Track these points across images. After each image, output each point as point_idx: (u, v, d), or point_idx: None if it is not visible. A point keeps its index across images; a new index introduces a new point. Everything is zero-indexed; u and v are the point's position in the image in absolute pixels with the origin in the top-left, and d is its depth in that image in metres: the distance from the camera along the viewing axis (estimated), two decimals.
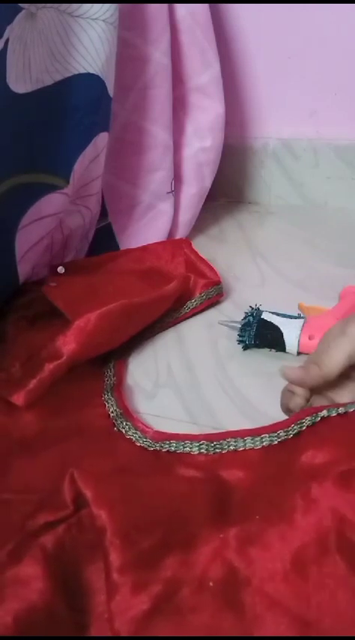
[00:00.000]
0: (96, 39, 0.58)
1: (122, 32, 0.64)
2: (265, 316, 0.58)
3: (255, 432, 0.43)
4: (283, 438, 0.41)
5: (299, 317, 0.58)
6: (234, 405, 0.51)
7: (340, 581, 0.31)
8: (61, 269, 0.67)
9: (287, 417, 0.43)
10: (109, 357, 0.57)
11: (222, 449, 0.44)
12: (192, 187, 0.80)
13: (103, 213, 0.75)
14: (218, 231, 0.87)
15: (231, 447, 0.43)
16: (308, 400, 0.45)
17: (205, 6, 0.72)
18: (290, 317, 0.58)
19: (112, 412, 0.50)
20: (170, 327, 0.64)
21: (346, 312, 0.58)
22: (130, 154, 0.74)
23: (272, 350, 0.58)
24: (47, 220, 0.62)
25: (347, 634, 0.30)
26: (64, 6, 0.55)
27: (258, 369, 0.56)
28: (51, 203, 0.61)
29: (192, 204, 0.80)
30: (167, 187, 0.76)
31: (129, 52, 0.67)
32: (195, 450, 0.44)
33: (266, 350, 0.58)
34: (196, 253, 0.70)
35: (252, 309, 0.59)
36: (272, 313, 0.58)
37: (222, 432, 0.45)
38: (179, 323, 0.64)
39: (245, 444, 0.43)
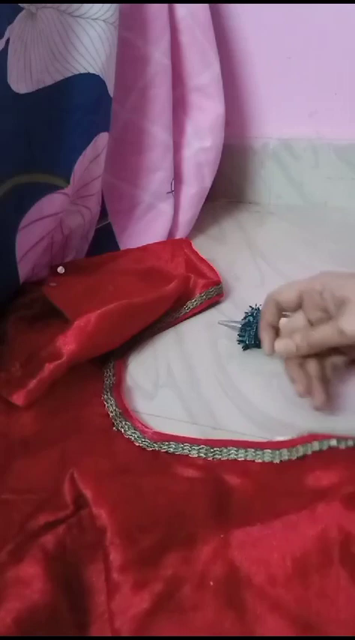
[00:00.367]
0: (97, 39, 0.58)
1: (122, 32, 0.64)
2: None
3: (257, 445, 0.44)
4: (286, 457, 0.42)
5: None
6: (234, 405, 0.51)
7: (342, 592, 0.31)
8: (61, 269, 0.67)
9: (291, 435, 0.43)
10: (109, 357, 0.57)
11: (221, 456, 0.44)
12: (192, 187, 0.80)
13: (103, 213, 0.75)
14: (218, 231, 0.87)
15: (232, 456, 0.44)
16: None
17: (205, 6, 0.72)
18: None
19: (111, 412, 0.50)
20: (170, 327, 0.64)
21: None
22: (130, 154, 0.74)
23: None
24: (47, 220, 0.63)
25: None
26: (64, 6, 0.55)
27: (258, 369, 0.56)
28: (51, 203, 0.61)
29: (192, 204, 0.81)
30: (167, 187, 0.76)
31: (129, 52, 0.67)
32: (194, 454, 0.44)
33: None
34: (196, 253, 0.70)
35: (252, 309, 0.59)
36: None
37: (224, 440, 0.45)
38: (179, 323, 0.64)
39: (246, 455, 0.43)
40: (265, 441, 0.44)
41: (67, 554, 0.36)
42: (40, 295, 0.62)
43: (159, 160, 0.74)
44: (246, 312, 0.59)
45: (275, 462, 0.42)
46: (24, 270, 0.63)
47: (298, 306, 0.49)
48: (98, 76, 0.60)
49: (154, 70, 0.69)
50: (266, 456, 0.43)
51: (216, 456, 0.44)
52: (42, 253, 0.66)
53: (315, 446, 0.41)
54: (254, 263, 0.76)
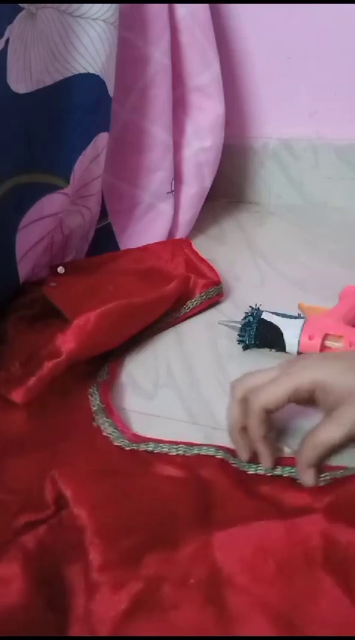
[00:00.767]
0: (97, 39, 0.58)
1: (122, 32, 0.64)
2: (265, 316, 0.58)
3: (234, 452, 0.44)
4: (261, 472, 0.42)
5: (299, 317, 0.58)
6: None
7: (325, 593, 0.31)
8: (61, 269, 0.67)
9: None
10: (108, 357, 0.57)
11: (200, 452, 0.44)
12: (192, 187, 0.80)
13: (103, 213, 0.75)
14: (218, 231, 0.87)
15: (210, 453, 0.44)
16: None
17: (205, 6, 0.72)
18: (290, 317, 0.58)
19: (94, 406, 0.50)
20: (170, 327, 0.63)
21: (346, 312, 0.58)
22: (130, 154, 0.74)
23: (272, 350, 0.58)
24: (47, 220, 0.63)
25: None
26: (64, 6, 0.55)
27: (257, 369, 0.56)
28: (51, 203, 0.61)
29: (192, 204, 0.80)
30: (167, 187, 0.76)
31: (129, 52, 0.67)
32: (173, 452, 0.44)
33: (267, 350, 0.58)
34: (196, 253, 0.70)
35: (252, 309, 0.59)
36: (273, 313, 0.58)
37: (204, 443, 0.45)
38: (179, 323, 0.64)
39: (223, 455, 0.43)
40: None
41: (47, 555, 0.36)
42: (40, 295, 0.62)
43: (159, 160, 0.74)
44: (246, 312, 0.59)
45: (249, 472, 0.42)
46: (24, 270, 0.63)
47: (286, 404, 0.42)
48: (98, 76, 0.60)
49: (154, 70, 0.69)
50: (244, 466, 0.43)
51: (194, 452, 0.44)
52: (42, 253, 0.66)
53: (286, 471, 0.42)
54: (254, 263, 0.76)
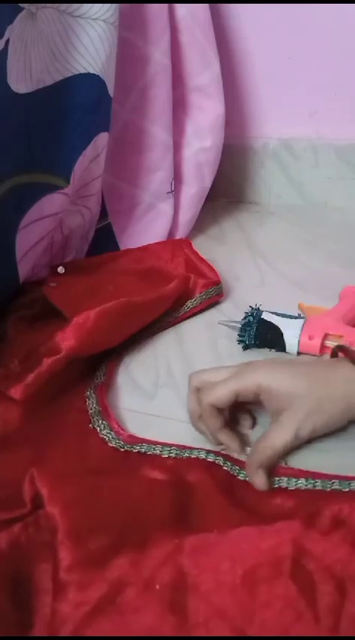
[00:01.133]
0: (97, 39, 0.58)
1: (122, 32, 0.64)
2: (265, 316, 0.58)
3: (229, 457, 0.44)
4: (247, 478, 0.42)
5: (299, 317, 0.58)
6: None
7: (288, 603, 0.31)
8: (61, 269, 0.67)
9: None
10: (105, 357, 0.57)
11: (191, 454, 0.44)
12: (192, 187, 0.80)
13: (103, 213, 0.75)
14: (218, 231, 0.87)
15: (201, 456, 0.44)
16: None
17: (205, 6, 0.72)
18: (290, 317, 0.58)
19: (91, 409, 0.50)
20: (170, 326, 0.63)
21: (346, 312, 0.58)
22: (130, 154, 0.74)
23: (272, 350, 0.58)
24: (47, 220, 0.62)
25: None
26: (64, 6, 0.55)
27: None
28: (51, 203, 0.61)
29: (192, 204, 0.80)
30: (167, 187, 0.76)
31: (129, 52, 0.67)
32: (165, 454, 0.44)
33: (266, 350, 0.58)
34: (196, 253, 0.70)
35: (252, 309, 0.59)
36: (273, 313, 0.58)
37: (197, 447, 0.45)
38: (179, 323, 0.64)
39: (215, 459, 0.44)
40: (236, 457, 0.45)
41: (19, 554, 0.36)
42: (40, 295, 0.62)
43: (159, 160, 0.74)
44: (246, 312, 0.59)
45: (239, 477, 0.43)
46: (24, 270, 0.63)
47: (233, 403, 0.45)
48: (98, 76, 0.60)
49: (154, 70, 0.69)
50: (235, 469, 0.43)
51: (186, 455, 0.44)
52: (42, 253, 0.66)
53: (283, 481, 0.42)
54: (254, 263, 0.76)
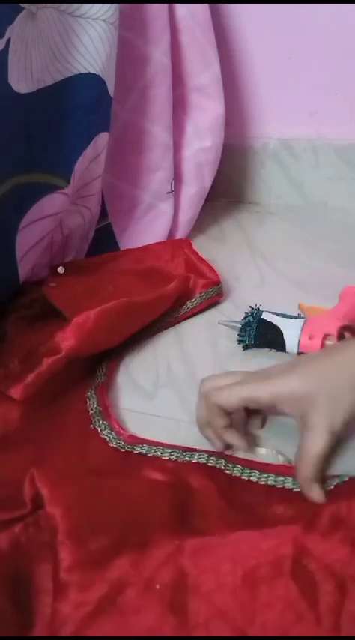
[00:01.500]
0: (97, 39, 0.58)
1: (122, 32, 0.64)
2: (265, 316, 0.58)
3: (230, 458, 0.44)
4: (254, 479, 0.42)
5: (299, 317, 0.58)
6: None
7: (289, 603, 0.31)
8: (61, 269, 0.67)
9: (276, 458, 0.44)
10: (107, 357, 0.57)
11: (192, 458, 0.44)
12: (192, 187, 0.80)
13: (103, 213, 0.75)
14: (218, 231, 0.87)
15: (202, 460, 0.44)
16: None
17: (205, 6, 0.72)
18: (290, 317, 0.58)
19: (92, 409, 0.50)
20: (170, 326, 0.64)
21: (346, 312, 0.58)
22: (130, 154, 0.74)
23: (272, 350, 0.58)
24: (47, 220, 0.63)
25: None
26: (64, 6, 0.55)
27: (258, 369, 0.56)
28: (51, 203, 0.61)
29: (192, 204, 0.81)
30: (167, 187, 0.76)
31: (129, 52, 0.67)
32: (166, 456, 0.44)
33: (266, 350, 0.58)
34: (196, 253, 0.70)
35: (252, 309, 0.59)
36: (273, 313, 0.58)
37: (198, 449, 0.45)
38: (179, 323, 0.64)
39: (216, 463, 0.44)
40: (238, 456, 0.45)
41: (20, 554, 0.36)
42: (40, 295, 0.62)
43: (159, 160, 0.74)
44: (246, 312, 0.59)
45: (243, 478, 0.42)
46: (24, 270, 0.63)
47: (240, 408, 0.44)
48: (98, 76, 0.60)
49: (154, 70, 0.69)
50: (237, 470, 0.43)
51: (187, 459, 0.44)
52: (42, 253, 0.66)
53: (288, 481, 0.42)
54: (254, 263, 0.76)
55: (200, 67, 0.74)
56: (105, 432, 0.47)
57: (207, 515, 0.39)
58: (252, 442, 0.46)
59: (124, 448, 0.46)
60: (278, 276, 0.72)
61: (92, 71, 0.59)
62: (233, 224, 0.89)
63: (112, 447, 0.46)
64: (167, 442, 0.46)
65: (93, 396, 0.51)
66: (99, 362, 0.56)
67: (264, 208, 0.93)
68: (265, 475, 0.42)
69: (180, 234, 0.80)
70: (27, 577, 0.35)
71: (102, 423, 0.48)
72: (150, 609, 0.32)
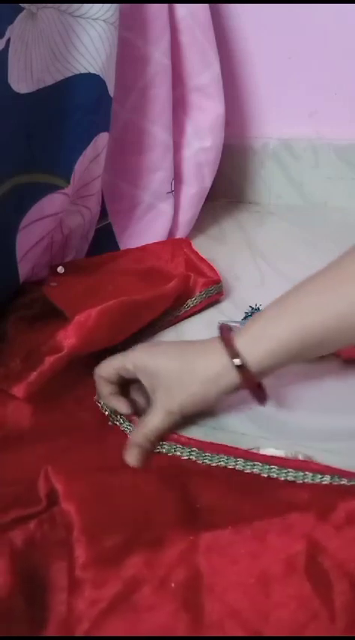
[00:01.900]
0: (97, 39, 0.58)
1: (122, 32, 0.64)
2: None
3: (249, 456, 0.44)
4: (274, 475, 0.42)
5: None
6: (233, 404, 0.51)
7: (302, 602, 0.31)
8: (60, 269, 0.67)
9: (285, 451, 0.44)
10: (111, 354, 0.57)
11: (211, 461, 0.44)
12: (192, 187, 0.80)
13: (103, 213, 0.75)
14: (218, 231, 0.87)
15: (221, 463, 0.44)
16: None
17: (205, 6, 0.72)
18: None
19: (106, 410, 0.50)
20: (170, 325, 0.64)
21: None
22: (130, 154, 0.74)
23: None
24: (47, 220, 0.63)
25: None
26: (64, 6, 0.55)
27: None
28: (51, 203, 0.61)
29: (192, 204, 0.80)
30: (167, 187, 0.76)
31: (129, 52, 0.67)
32: (186, 455, 0.45)
33: None
34: (196, 253, 0.70)
35: (252, 309, 0.59)
36: None
37: (217, 445, 0.45)
38: (179, 322, 0.64)
39: (236, 464, 0.44)
40: (256, 452, 0.45)
41: (35, 550, 0.36)
42: (40, 295, 0.62)
43: (159, 160, 0.74)
44: (246, 312, 0.59)
45: (263, 475, 0.43)
46: (24, 270, 0.63)
47: (121, 378, 0.49)
48: (98, 76, 0.60)
49: (154, 70, 0.69)
50: (256, 468, 0.43)
51: (206, 461, 0.44)
52: (42, 253, 0.66)
53: (308, 477, 0.42)
54: (254, 263, 0.76)
55: (200, 67, 0.74)
56: (125, 425, 0.48)
57: (219, 509, 0.39)
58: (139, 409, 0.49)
59: None
60: (278, 276, 0.72)
61: (92, 71, 0.59)
62: (233, 224, 0.89)
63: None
64: (186, 436, 0.47)
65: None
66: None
67: (264, 208, 0.93)
68: (285, 470, 0.42)
69: (180, 234, 0.80)
70: (42, 574, 0.35)
71: (120, 417, 0.49)
72: (165, 607, 0.32)
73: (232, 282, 0.71)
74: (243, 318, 0.59)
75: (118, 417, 0.49)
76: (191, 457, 0.45)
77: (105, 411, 0.50)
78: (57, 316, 0.58)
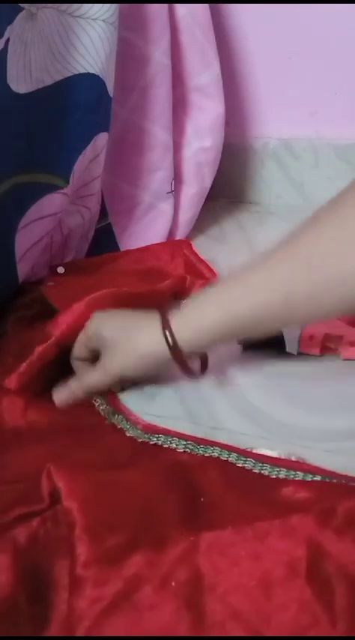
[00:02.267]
0: (97, 39, 0.58)
1: (122, 32, 0.64)
2: None
3: (241, 452, 0.44)
4: (266, 472, 0.42)
5: None
6: (234, 404, 0.51)
7: (304, 606, 0.31)
8: (60, 269, 0.67)
9: (279, 452, 0.44)
10: None
11: (205, 452, 0.44)
12: (192, 187, 0.80)
13: (103, 213, 0.75)
14: (218, 232, 0.87)
15: (215, 454, 0.44)
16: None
17: (205, 6, 0.72)
18: None
19: (102, 410, 0.50)
20: None
21: None
22: (130, 154, 0.74)
23: (272, 350, 0.58)
24: (47, 220, 0.63)
25: None
26: (64, 6, 0.55)
27: (258, 369, 0.56)
28: (51, 203, 0.61)
29: (192, 204, 0.80)
30: (167, 187, 0.76)
31: (129, 52, 0.67)
32: (181, 448, 0.45)
33: (266, 350, 0.58)
34: (196, 254, 0.70)
35: None
36: None
37: (211, 441, 0.45)
38: None
39: (229, 457, 0.44)
40: (251, 450, 0.45)
41: (38, 548, 0.36)
42: (39, 295, 0.62)
43: (159, 160, 0.74)
44: None
45: (254, 470, 0.43)
46: (23, 269, 0.63)
47: (92, 352, 0.51)
48: (98, 76, 0.60)
49: (154, 70, 0.69)
50: (248, 463, 0.43)
51: (200, 452, 0.44)
52: (41, 253, 0.66)
53: (299, 476, 0.42)
54: None
55: (200, 67, 0.74)
56: (122, 424, 0.48)
57: (220, 508, 0.39)
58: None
59: (141, 438, 0.46)
60: None
61: (92, 71, 0.59)
62: (233, 224, 0.89)
63: (129, 436, 0.47)
64: (181, 431, 0.47)
65: (102, 400, 0.52)
66: None
67: (264, 208, 0.93)
68: (277, 469, 0.42)
69: (180, 234, 0.80)
70: (45, 572, 0.35)
71: (118, 417, 0.49)
72: (166, 606, 0.32)
73: None
74: None
75: (116, 416, 0.49)
76: (187, 450, 0.45)
77: (101, 410, 0.50)
78: (56, 316, 0.58)
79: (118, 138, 0.72)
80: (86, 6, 0.57)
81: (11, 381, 0.49)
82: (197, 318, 0.47)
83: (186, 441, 0.45)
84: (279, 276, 0.45)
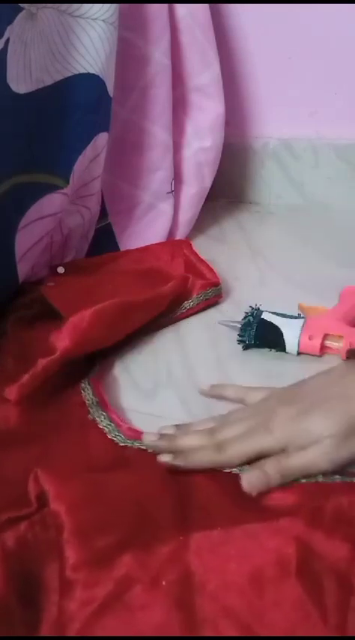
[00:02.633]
0: (97, 39, 0.58)
1: (122, 32, 0.64)
2: (265, 316, 0.58)
3: None
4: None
5: (299, 317, 0.58)
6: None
7: (295, 604, 0.31)
8: (60, 269, 0.67)
9: None
10: (102, 355, 0.57)
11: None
12: (192, 187, 0.80)
13: (103, 213, 0.75)
14: (218, 231, 0.87)
15: None
16: None
17: (205, 6, 0.72)
18: (290, 317, 0.58)
19: (88, 400, 0.50)
20: (166, 326, 0.63)
21: (346, 312, 0.58)
22: (130, 154, 0.74)
23: (273, 350, 0.58)
24: (47, 220, 0.63)
25: None
26: (64, 6, 0.55)
27: (258, 369, 0.56)
28: (51, 203, 0.61)
29: (192, 204, 0.80)
30: (167, 187, 0.76)
31: (129, 52, 0.67)
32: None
33: (267, 350, 0.58)
34: (196, 254, 0.70)
35: (252, 309, 0.59)
36: (272, 313, 0.58)
37: None
38: (178, 323, 0.64)
39: None
40: None
41: (26, 552, 0.36)
42: (39, 295, 0.62)
43: (159, 160, 0.74)
44: (246, 312, 0.59)
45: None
46: (23, 270, 0.63)
47: None
48: (98, 76, 0.60)
49: (154, 70, 0.69)
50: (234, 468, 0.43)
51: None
52: (41, 253, 0.66)
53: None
54: (254, 263, 0.76)
55: (200, 67, 0.74)
56: (104, 423, 0.47)
57: (209, 510, 0.39)
58: None
59: (124, 443, 0.46)
60: (278, 276, 0.72)
61: (91, 71, 0.59)
62: (233, 224, 0.89)
63: (110, 438, 0.46)
64: None
65: (88, 387, 0.51)
66: (95, 359, 0.56)
67: (264, 208, 0.93)
68: None
69: (180, 234, 0.80)
70: (34, 575, 0.35)
71: (101, 414, 0.48)
72: (157, 605, 0.32)
73: (232, 282, 0.71)
74: (242, 318, 0.59)
75: (99, 412, 0.48)
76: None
77: (87, 400, 0.50)
78: (56, 316, 0.58)
79: (118, 138, 0.72)
80: (86, 6, 0.57)
81: (12, 393, 0.48)
82: None
83: None
84: None
